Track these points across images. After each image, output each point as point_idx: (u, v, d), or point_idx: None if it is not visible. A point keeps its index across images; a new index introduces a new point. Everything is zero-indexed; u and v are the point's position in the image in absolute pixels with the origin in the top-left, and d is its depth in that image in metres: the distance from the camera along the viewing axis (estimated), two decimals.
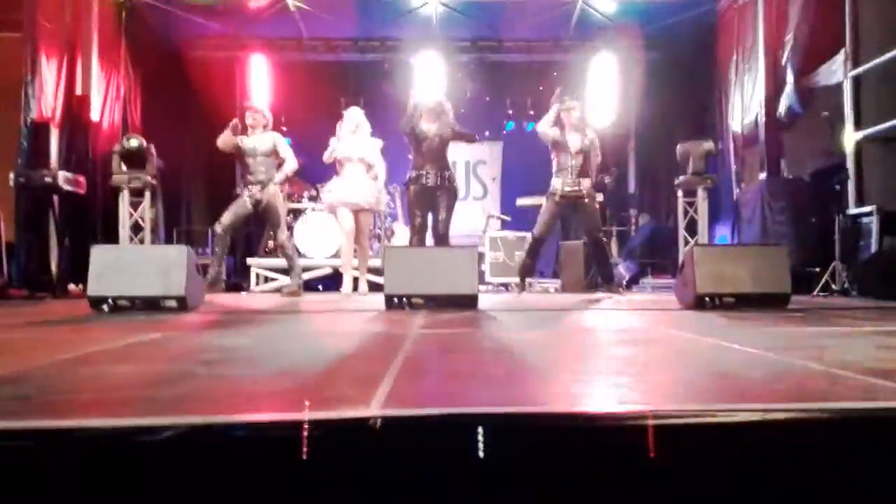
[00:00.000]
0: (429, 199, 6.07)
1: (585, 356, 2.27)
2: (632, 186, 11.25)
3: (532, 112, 11.23)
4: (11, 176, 6.80)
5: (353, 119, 6.56)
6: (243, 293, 7.86)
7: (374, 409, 1.29)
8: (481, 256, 8.22)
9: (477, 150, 11.80)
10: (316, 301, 5.85)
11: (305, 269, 8.14)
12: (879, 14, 6.45)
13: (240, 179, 6.26)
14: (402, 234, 8.67)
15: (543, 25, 9.69)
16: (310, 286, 8.17)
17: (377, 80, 10.69)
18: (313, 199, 8.87)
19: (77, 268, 6.69)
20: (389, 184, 8.54)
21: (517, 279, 6.99)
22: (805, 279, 6.18)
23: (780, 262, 4.33)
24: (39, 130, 7.20)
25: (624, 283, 8.03)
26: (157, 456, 1.13)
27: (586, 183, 6.31)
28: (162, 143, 8.05)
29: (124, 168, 7.37)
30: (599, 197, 8.16)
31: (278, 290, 7.44)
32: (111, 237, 7.47)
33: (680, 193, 7.86)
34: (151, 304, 4.23)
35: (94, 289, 4.18)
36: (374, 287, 6.71)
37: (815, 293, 6.12)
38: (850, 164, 6.54)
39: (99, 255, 4.27)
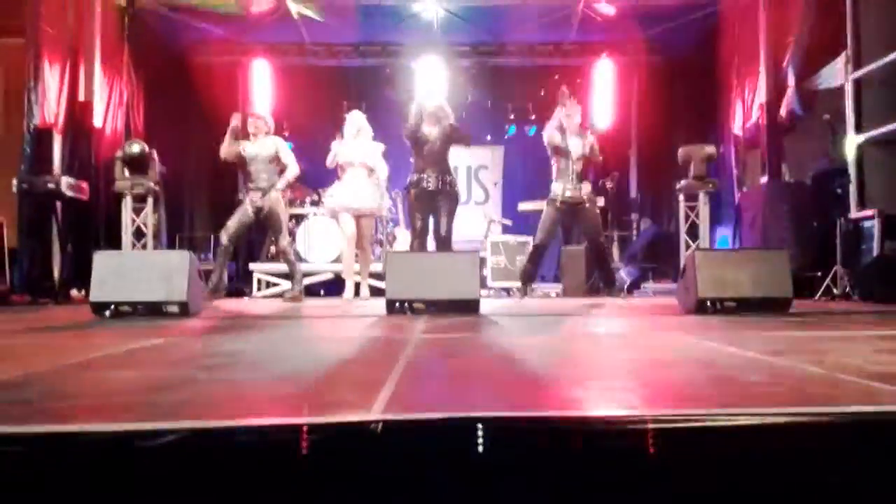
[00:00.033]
0: (430, 203, 6.08)
1: (587, 361, 2.27)
2: (633, 191, 11.24)
3: (533, 116, 11.24)
4: (14, 182, 6.80)
5: (355, 123, 6.57)
6: (245, 298, 7.87)
7: (375, 413, 1.30)
8: (483, 261, 8.21)
9: (478, 155, 11.81)
10: (317, 306, 5.85)
11: (307, 275, 8.15)
12: (881, 17, 6.46)
13: (242, 186, 6.26)
14: (403, 239, 8.68)
15: (545, 29, 9.69)
16: (311, 291, 8.17)
17: (379, 85, 10.70)
18: (315, 204, 8.88)
19: (79, 273, 6.70)
20: (391, 189, 8.55)
21: (519, 284, 6.99)
22: (806, 283, 6.17)
23: (781, 266, 4.33)
24: (42, 136, 7.21)
25: (625, 287, 8.02)
26: (159, 461, 1.13)
27: (587, 188, 6.31)
28: (165, 148, 8.06)
29: (127, 174, 7.38)
30: (601, 201, 8.17)
31: (280, 296, 7.44)
32: (114, 243, 7.47)
33: (681, 197, 7.85)
34: (154, 310, 4.24)
35: (96, 294, 4.18)
36: (376, 292, 6.71)
37: (816, 297, 6.11)
38: (851, 168, 6.54)
39: (101, 260, 4.28)
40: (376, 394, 1.49)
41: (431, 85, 9.37)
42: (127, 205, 7.45)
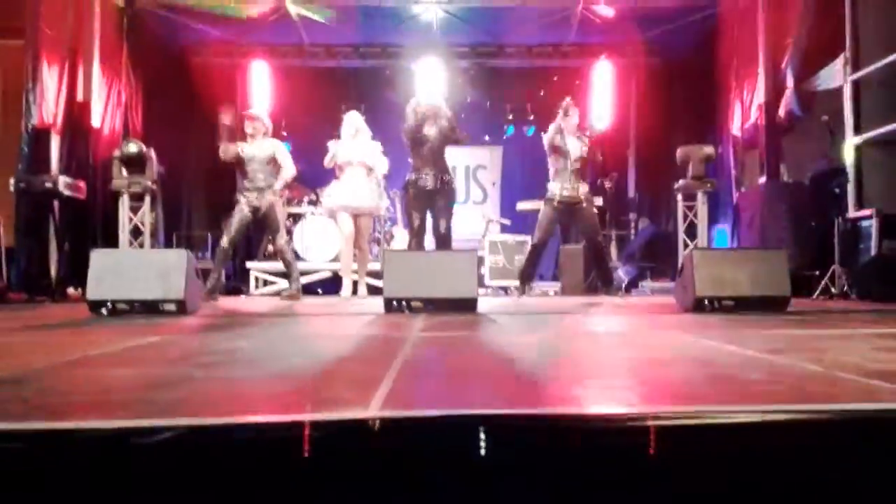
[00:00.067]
0: (427, 201, 6.08)
1: (585, 359, 2.27)
2: (631, 190, 11.25)
3: (532, 117, 11.26)
4: (12, 181, 6.81)
5: (353, 123, 6.57)
6: (242, 297, 7.86)
7: (373, 410, 1.29)
8: (481, 260, 8.22)
9: (477, 155, 11.82)
10: (315, 305, 5.85)
11: (305, 273, 8.15)
12: (879, 18, 6.47)
13: (240, 186, 6.25)
14: (401, 237, 8.68)
15: (544, 31, 9.70)
16: (309, 290, 8.17)
17: (378, 86, 10.71)
18: (313, 203, 8.88)
19: (76, 272, 6.69)
20: (389, 188, 8.55)
21: (517, 282, 6.99)
22: (804, 282, 6.17)
23: (779, 266, 4.33)
24: (40, 136, 7.21)
25: (623, 286, 8.03)
26: (156, 458, 1.13)
27: (584, 188, 6.32)
28: (163, 148, 8.06)
29: (124, 173, 7.38)
30: (599, 201, 8.17)
31: (278, 294, 7.44)
32: (111, 242, 7.47)
33: (679, 197, 7.86)
34: (150, 308, 4.23)
35: (93, 292, 4.18)
36: (374, 291, 6.71)
37: (814, 296, 6.12)
38: (849, 168, 6.55)
39: (98, 258, 4.27)
40: (374, 391, 1.48)
41: (431, 86, 9.37)
42: (124, 204, 7.45)
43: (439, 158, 6.13)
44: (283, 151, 6.32)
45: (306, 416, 1.23)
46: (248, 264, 8.58)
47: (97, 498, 1.10)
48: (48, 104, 7.29)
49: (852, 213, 6.44)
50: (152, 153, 7.54)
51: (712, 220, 8.23)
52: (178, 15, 9.00)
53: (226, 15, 9.08)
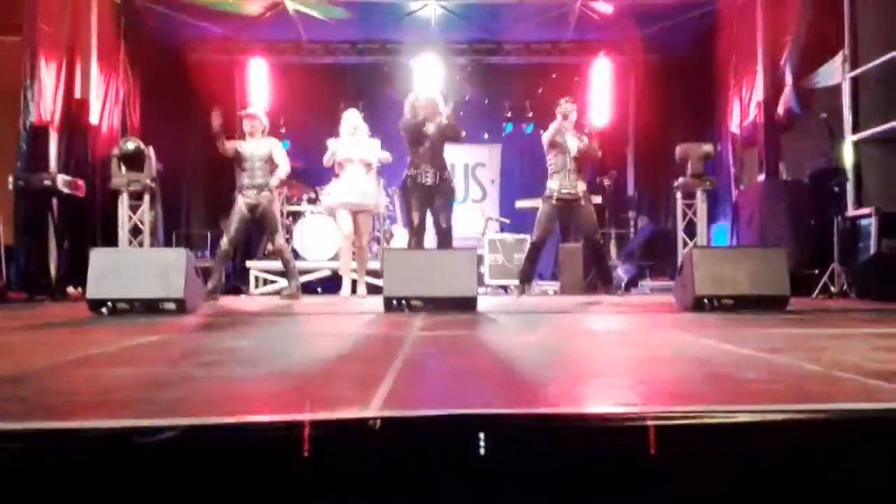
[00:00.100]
0: (427, 198, 6.07)
1: (584, 358, 2.28)
2: (630, 188, 11.25)
3: (531, 115, 11.25)
4: (10, 179, 6.80)
5: (351, 121, 6.56)
6: (242, 296, 7.86)
7: (373, 409, 1.29)
8: (480, 259, 8.21)
9: (476, 153, 11.82)
10: (315, 304, 5.85)
11: (305, 272, 8.14)
12: (878, 16, 6.47)
13: (238, 183, 6.25)
14: (400, 236, 8.67)
15: (542, 28, 9.69)
16: (309, 289, 8.17)
17: (376, 83, 10.69)
18: (312, 201, 8.87)
19: (76, 271, 6.69)
20: (389, 186, 8.55)
21: (516, 281, 6.99)
22: (804, 281, 6.18)
23: (778, 264, 4.34)
24: (38, 134, 7.20)
25: (623, 285, 8.03)
26: (156, 457, 1.13)
27: (582, 186, 6.32)
28: (161, 146, 8.04)
29: (123, 171, 7.37)
30: (598, 199, 8.17)
31: (277, 293, 7.44)
32: (110, 240, 7.46)
33: (679, 195, 7.86)
34: (150, 307, 4.23)
35: (93, 291, 4.18)
36: (374, 290, 6.71)
37: (813, 295, 6.12)
38: (848, 166, 6.55)
39: (98, 257, 4.27)
40: (374, 390, 1.48)
41: (429, 82, 9.36)
42: (123, 202, 7.44)
43: (438, 155, 6.11)
44: (280, 151, 6.34)
45: (306, 416, 1.23)
46: (248, 263, 8.57)
47: (97, 497, 1.11)
48: (46, 101, 7.28)
49: (851, 211, 6.44)
50: (151, 151, 7.53)
51: (711, 218, 8.23)
52: (176, 11, 8.98)
53: (224, 11, 9.06)
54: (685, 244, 7.55)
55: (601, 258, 6.56)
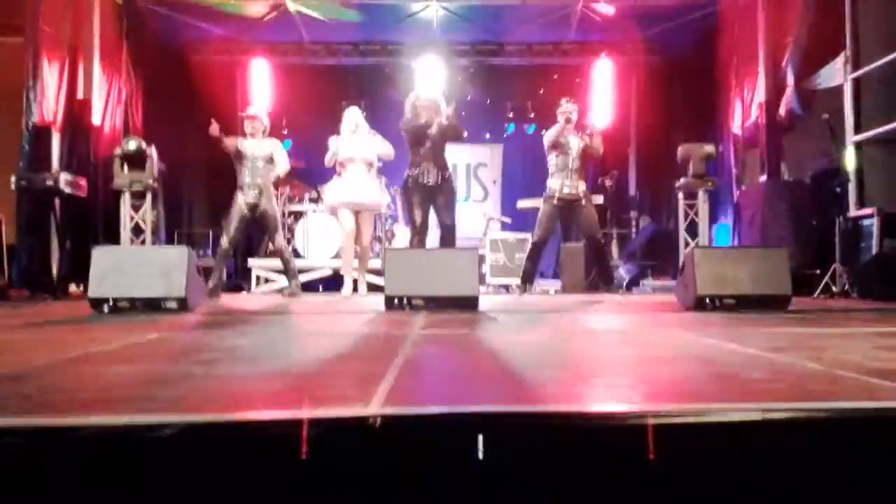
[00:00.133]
0: (430, 198, 6.05)
1: (586, 357, 2.27)
2: (632, 189, 11.25)
3: (532, 115, 11.25)
4: (13, 179, 6.81)
5: (352, 119, 6.56)
6: (243, 294, 7.86)
7: (373, 407, 1.29)
8: (482, 258, 8.21)
9: (477, 153, 11.82)
10: (316, 302, 5.85)
11: (306, 271, 8.15)
12: (879, 17, 6.46)
13: (239, 182, 6.26)
14: (402, 235, 8.67)
15: (544, 29, 9.69)
16: (310, 288, 8.17)
17: (378, 84, 10.70)
18: (314, 201, 8.87)
19: (78, 269, 6.70)
20: (390, 185, 8.55)
21: (518, 281, 6.99)
22: (805, 281, 6.17)
23: (780, 264, 4.33)
24: (41, 134, 7.21)
25: (624, 284, 8.03)
26: (157, 454, 1.13)
27: (583, 186, 6.32)
28: (163, 146, 8.05)
29: (126, 171, 7.39)
30: (599, 199, 8.17)
31: (279, 292, 7.44)
32: (112, 239, 7.47)
33: (680, 195, 7.86)
34: (152, 305, 4.23)
35: (94, 290, 4.18)
36: (375, 289, 6.71)
37: (815, 295, 6.12)
38: (850, 167, 6.54)
39: (100, 256, 4.27)
40: (375, 388, 1.48)
41: (430, 83, 9.36)
42: (125, 201, 7.45)
43: (439, 155, 6.10)
44: (280, 152, 6.37)
45: (307, 414, 1.23)
46: (250, 262, 8.58)
47: (98, 494, 1.11)
48: (48, 102, 7.29)
49: (853, 211, 6.43)
50: (153, 151, 7.54)
51: (713, 218, 8.23)
52: (178, 12, 8.99)
53: (226, 12, 9.07)
54: (687, 244, 7.54)
55: (602, 258, 6.56)
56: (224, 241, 6.20)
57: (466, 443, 1.16)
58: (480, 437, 1.15)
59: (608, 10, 9.08)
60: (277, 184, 7.95)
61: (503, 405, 1.39)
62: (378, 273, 7.00)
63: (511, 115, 11.48)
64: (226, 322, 3.78)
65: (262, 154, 6.23)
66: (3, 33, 7.72)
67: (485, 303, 4.89)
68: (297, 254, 8.26)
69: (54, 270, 7.14)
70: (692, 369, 1.88)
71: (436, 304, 4.41)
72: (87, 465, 1.11)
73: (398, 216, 9.12)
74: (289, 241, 8.29)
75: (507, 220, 9.83)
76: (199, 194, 10.63)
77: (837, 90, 6.81)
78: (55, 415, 1.28)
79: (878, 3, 6.50)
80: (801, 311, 4.25)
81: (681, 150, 7.70)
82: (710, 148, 7.69)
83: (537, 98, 11.03)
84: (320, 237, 8.48)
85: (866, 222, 6.17)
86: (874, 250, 5.93)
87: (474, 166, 11.93)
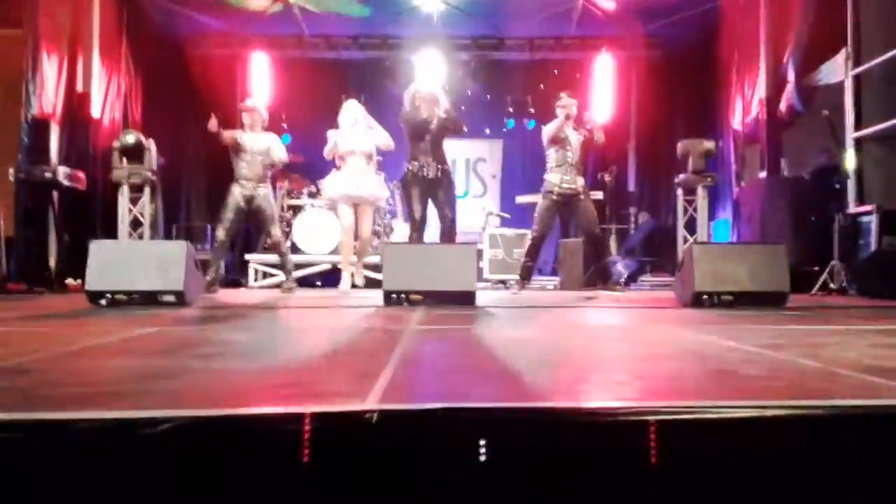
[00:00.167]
0: (429, 192, 6.03)
1: (583, 352, 2.27)
2: (631, 184, 11.24)
3: (532, 110, 11.23)
4: (11, 171, 6.80)
5: (352, 112, 6.55)
6: (242, 289, 7.86)
7: (371, 403, 1.29)
8: (480, 253, 8.21)
9: (477, 148, 11.80)
10: (314, 297, 5.85)
11: (305, 266, 8.15)
12: (881, 13, 6.44)
13: (235, 174, 6.26)
14: (401, 231, 8.67)
15: (545, 24, 9.68)
16: (308, 282, 8.18)
17: (378, 78, 10.67)
18: (312, 195, 8.87)
19: (76, 263, 6.70)
20: (389, 179, 8.54)
21: (516, 276, 6.99)
22: (804, 278, 6.17)
23: (778, 261, 4.33)
24: (40, 126, 7.20)
25: (623, 280, 8.03)
26: (154, 448, 1.13)
27: (581, 180, 6.32)
28: (162, 139, 8.05)
29: (124, 164, 7.38)
30: (599, 195, 8.16)
31: (278, 286, 7.45)
32: (110, 233, 7.47)
33: (679, 191, 7.86)
34: (150, 299, 4.23)
35: (92, 283, 4.18)
36: (373, 284, 6.71)
37: (813, 292, 6.12)
38: (850, 166, 6.53)
39: (98, 250, 4.27)
40: (372, 383, 1.48)
41: (430, 77, 9.34)
42: (124, 194, 7.45)
43: (438, 149, 6.08)
44: (278, 146, 6.41)
45: (304, 409, 1.23)
46: (248, 256, 8.58)
47: (95, 488, 1.11)
48: (48, 94, 7.28)
49: (852, 208, 6.44)
50: (152, 144, 7.53)
51: (712, 214, 8.23)
52: (179, 5, 8.97)
53: (226, 5, 9.05)
54: (685, 240, 7.55)
55: (601, 254, 6.56)
56: (220, 233, 6.21)
57: (464, 439, 1.16)
58: (478, 434, 1.15)
59: (609, 5, 9.07)
60: (276, 178, 7.97)
61: (500, 401, 1.39)
62: (377, 268, 7.00)
63: (511, 109, 11.45)
64: (223, 316, 3.78)
65: (259, 147, 6.23)
66: (2, 25, 7.70)
67: (483, 298, 4.89)
68: (295, 248, 8.26)
69: (52, 263, 7.13)
70: (690, 366, 1.88)
71: (434, 299, 4.41)
72: (84, 460, 1.11)
73: (396, 211, 9.11)
74: (287, 236, 8.29)
75: (506, 215, 9.83)
76: (197, 188, 10.62)
77: (838, 87, 6.81)
78: (52, 408, 1.27)
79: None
80: (798, 307, 4.25)
81: (680, 146, 7.70)
82: (709, 144, 7.69)
83: (537, 93, 11.01)
84: (319, 232, 8.47)
85: (865, 219, 6.18)
86: (873, 247, 5.94)
87: (474, 161, 11.92)
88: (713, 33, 9.20)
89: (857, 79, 6.63)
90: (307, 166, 9.24)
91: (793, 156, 7.75)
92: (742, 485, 1.17)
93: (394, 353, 2.06)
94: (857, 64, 6.60)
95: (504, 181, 11.78)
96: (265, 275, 8.46)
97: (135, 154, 7.34)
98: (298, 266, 7.98)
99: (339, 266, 6.92)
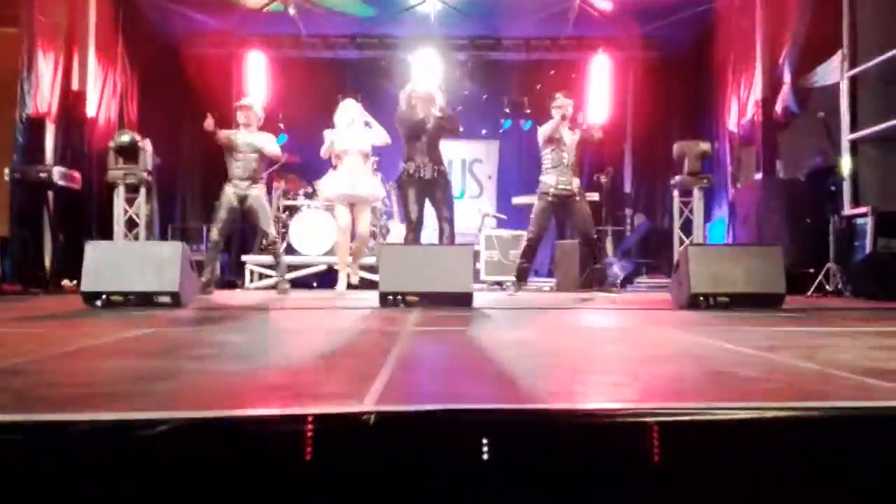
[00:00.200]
0: (426, 193, 6.00)
1: (580, 354, 2.27)
2: (627, 186, 11.25)
3: (529, 111, 11.22)
4: (6, 171, 6.77)
5: (349, 112, 6.54)
6: (237, 290, 7.85)
7: (368, 404, 1.29)
8: (476, 255, 8.20)
9: (473, 149, 11.80)
10: (310, 298, 5.85)
11: (301, 267, 8.14)
12: (877, 15, 6.46)
13: (229, 174, 6.26)
14: (397, 232, 8.66)
15: (541, 24, 9.68)
16: (305, 283, 8.16)
17: (375, 78, 10.65)
18: (309, 196, 8.85)
19: (71, 263, 6.66)
20: (385, 180, 8.53)
21: (512, 278, 6.98)
22: (799, 280, 6.18)
23: (774, 263, 4.34)
24: (35, 126, 7.17)
25: (619, 282, 8.04)
26: (150, 450, 1.13)
27: (577, 181, 6.31)
28: (158, 139, 8.02)
29: (120, 164, 7.36)
30: (595, 196, 8.17)
31: (273, 287, 7.43)
32: (106, 233, 7.44)
33: (675, 193, 7.87)
34: (145, 300, 4.22)
35: (87, 284, 4.17)
36: (369, 285, 6.70)
37: (809, 293, 6.13)
38: (845, 169, 6.54)
39: (93, 250, 4.26)
40: (369, 385, 1.48)
41: (426, 75, 9.34)
42: (119, 195, 7.42)
43: (434, 149, 6.04)
44: (272, 141, 6.41)
45: (300, 410, 1.23)
46: (244, 258, 8.56)
47: (91, 490, 1.10)
48: (43, 93, 7.24)
49: (848, 210, 6.45)
50: (148, 144, 7.51)
51: (708, 215, 8.24)
52: (175, 4, 8.95)
53: (223, 2, 9.02)
54: (681, 242, 7.55)
55: (596, 255, 6.56)
56: (214, 233, 6.20)
57: (462, 440, 1.15)
58: (476, 435, 1.15)
59: (605, 5, 9.08)
60: (272, 178, 7.95)
61: (497, 402, 1.39)
62: (373, 269, 6.99)
63: (507, 110, 11.44)
64: (219, 318, 3.77)
65: (253, 147, 6.23)
66: None
67: (479, 300, 4.89)
68: (291, 249, 8.25)
69: (47, 264, 7.10)
70: (687, 368, 1.88)
71: (430, 300, 4.41)
72: (80, 462, 1.10)
73: (393, 212, 9.10)
74: (283, 237, 8.28)
75: (503, 216, 9.82)
76: (193, 188, 10.59)
77: (834, 88, 6.82)
78: (48, 410, 1.27)
79: (876, 1, 6.50)
80: (795, 309, 4.26)
81: (676, 148, 7.70)
82: (705, 145, 7.70)
83: (534, 93, 11.00)
84: (315, 233, 8.45)
85: (860, 221, 6.19)
86: (868, 249, 5.95)
87: (470, 162, 11.91)
88: (709, 34, 9.21)
89: (853, 80, 6.64)
90: (303, 167, 9.22)
91: (788, 157, 7.76)
92: (741, 486, 1.17)
93: (391, 354, 2.05)
94: (853, 65, 6.61)
95: (500, 182, 11.77)
96: (261, 276, 8.45)
97: (130, 154, 7.31)
98: (295, 267, 7.98)
99: (336, 267, 6.91)
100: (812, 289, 6.16)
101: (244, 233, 8.96)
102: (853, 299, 5.62)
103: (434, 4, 9.17)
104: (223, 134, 6.15)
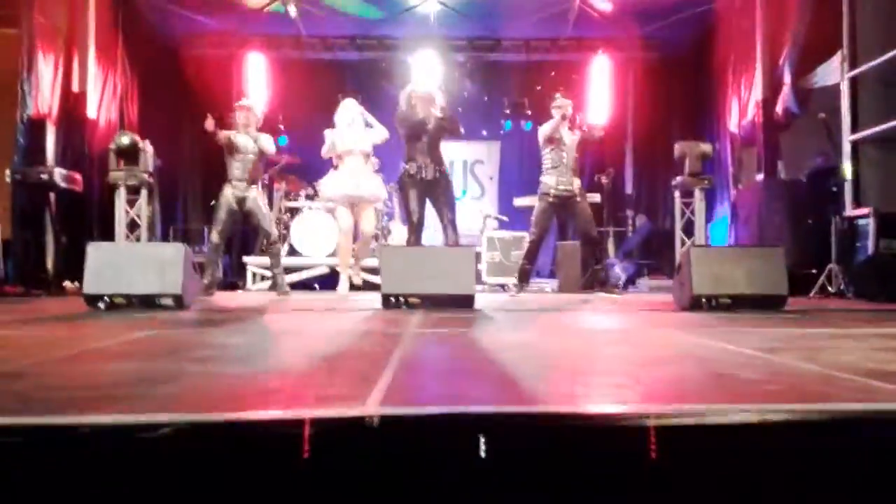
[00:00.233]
0: (427, 194, 5.99)
1: (582, 356, 2.27)
2: (629, 187, 11.25)
3: (529, 112, 11.22)
4: (7, 173, 6.77)
5: (349, 112, 6.54)
6: (239, 292, 7.85)
7: (370, 407, 1.29)
8: (478, 256, 8.19)
9: (474, 150, 11.79)
10: (312, 300, 5.85)
11: (302, 268, 8.14)
12: (877, 15, 6.45)
13: (229, 174, 6.26)
14: (398, 233, 8.66)
15: (541, 25, 9.68)
16: (306, 285, 8.16)
17: (375, 79, 10.65)
18: (310, 197, 8.85)
19: (73, 265, 6.67)
20: (387, 181, 8.53)
21: (514, 279, 6.98)
22: (801, 281, 6.18)
23: (776, 264, 4.33)
24: (36, 127, 7.17)
25: (620, 283, 8.03)
26: (153, 452, 1.13)
27: (578, 182, 6.31)
28: (159, 140, 8.02)
29: (121, 165, 7.36)
30: (596, 197, 8.16)
31: (275, 289, 7.44)
32: (107, 235, 7.45)
33: (677, 194, 7.86)
34: (147, 302, 4.22)
35: (90, 286, 4.17)
36: (372, 287, 6.70)
37: (811, 295, 6.13)
38: (847, 172, 6.54)
39: (95, 252, 4.26)
40: (372, 387, 1.48)
41: (426, 76, 9.34)
42: (121, 196, 7.42)
43: (435, 150, 6.02)
44: (270, 146, 6.41)
45: (303, 413, 1.23)
46: (245, 259, 8.56)
47: (93, 492, 1.10)
48: (43, 94, 7.25)
49: (849, 211, 6.44)
50: (148, 146, 7.51)
51: (710, 216, 8.24)
52: (174, 5, 8.95)
53: (224, 2, 9.03)
54: (683, 243, 7.55)
55: (599, 255, 6.56)
56: (214, 236, 6.20)
57: (464, 443, 1.15)
58: (478, 437, 1.15)
59: (605, 6, 9.08)
60: (273, 179, 7.95)
61: (499, 405, 1.39)
62: (375, 271, 6.99)
63: (508, 111, 11.43)
64: (221, 320, 3.78)
65: (253, 148, 6.24)
66: None
67: (481, 301, 4.89)
68: (293, 251, 8.25)
69: (49, 266, 7.10)
70: (689, 370, 1.88)
71: (432, 302, 4.40)
72: (82, 464, 1.10)
73: (394, 213, 9.09)
74: (284, 238, 8.28)
75: (504, 217, 9.81)
76: (194, 189, 10.59)
77: (834, 89, 6.81)
78: (50, 413, 1.27)
79: (876, 1, 6.49)
80: (797, 310, 4.25)
81: (677, 149, 7.70)
82: (706, 146, 7.70)
83: (534, 95, 10.99)
84: (317, 234, 8.45)
85: (862, 222, 6.18)
86: (870, 250, 5.94)
87: (471, 163, 11.91)
88: (709, 35, 9.21)
89: (854, 81, 6.63)
90: (304, 168, 9.22)
91: (790, 158, 7.75)
92: (742, 488, 1.17)
93: (393, 356, 2.05)
94: (853, 66, 6.61)
95: (501, 183, 11.76)
96: (262, 277, 8.45)
97: (131, 155, 7.32)
98: (295, 269, 7.98)
99: (337, 269, 6.90)
100: (814, 290, 6.16)
101: (245, 234, 8.96)
102: (855, 300, 5.61)
103: (434, 5, 9.18)
104: (223, 134, 6.16)
